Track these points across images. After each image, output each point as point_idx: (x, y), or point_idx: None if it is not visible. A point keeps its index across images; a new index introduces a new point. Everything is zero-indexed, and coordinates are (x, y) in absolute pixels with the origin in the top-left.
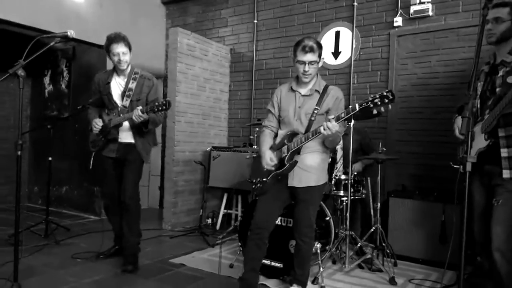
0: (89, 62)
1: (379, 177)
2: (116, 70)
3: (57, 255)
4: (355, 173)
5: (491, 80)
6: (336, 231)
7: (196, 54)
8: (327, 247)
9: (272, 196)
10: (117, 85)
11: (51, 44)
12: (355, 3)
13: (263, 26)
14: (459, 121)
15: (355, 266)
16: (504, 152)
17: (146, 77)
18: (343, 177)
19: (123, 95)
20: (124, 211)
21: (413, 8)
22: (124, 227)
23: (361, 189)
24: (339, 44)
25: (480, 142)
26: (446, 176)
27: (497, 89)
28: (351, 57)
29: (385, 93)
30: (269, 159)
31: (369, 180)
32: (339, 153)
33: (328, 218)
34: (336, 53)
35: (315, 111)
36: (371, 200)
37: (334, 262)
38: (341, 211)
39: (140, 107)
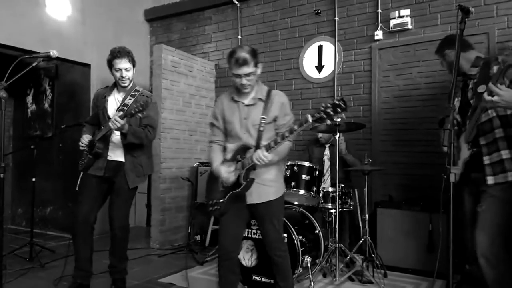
0: (72, 81)
1: (366, 188)
2: (117, 86)
3: (42, 279)
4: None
5: (465, 93)
6: (326, 244)
7: (181, 70)
8: (317, 261)
9: (232, 217)
10: (114, 101)
11: (34, 64)
12: (337, 18)
13: (247, 41)
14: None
15: (345, 279)
16: (486, 160)
17: (144, 95)
18: (330, 189)
19: (117, 109)
20: (111, 239)
21: (393, 22)
22: (110, 255)
23: (349, 200)
24: (322, 58)
25: (465, 152)
26: (432, 185)
27: (471, 101)
28: (334, 70)
29: (337, 102)
30: (227, 173)
31: (356, 192)
32: (326, 165)
33: (317, 231)
34: (319, 67)
35: (263, 121)
36: (359, 212)
37: (324, 275)
38: (330, 224)
39: (120, 113)
